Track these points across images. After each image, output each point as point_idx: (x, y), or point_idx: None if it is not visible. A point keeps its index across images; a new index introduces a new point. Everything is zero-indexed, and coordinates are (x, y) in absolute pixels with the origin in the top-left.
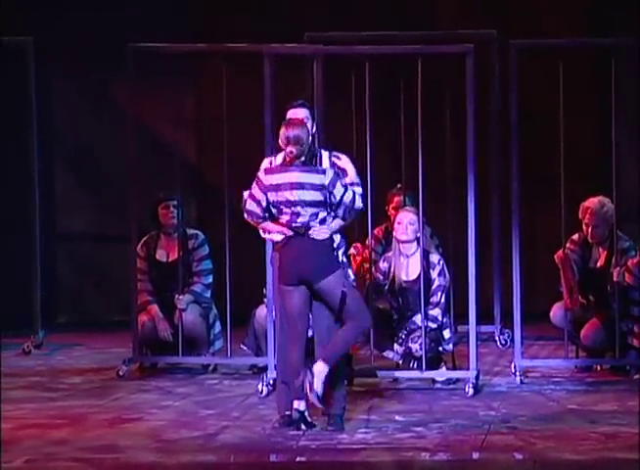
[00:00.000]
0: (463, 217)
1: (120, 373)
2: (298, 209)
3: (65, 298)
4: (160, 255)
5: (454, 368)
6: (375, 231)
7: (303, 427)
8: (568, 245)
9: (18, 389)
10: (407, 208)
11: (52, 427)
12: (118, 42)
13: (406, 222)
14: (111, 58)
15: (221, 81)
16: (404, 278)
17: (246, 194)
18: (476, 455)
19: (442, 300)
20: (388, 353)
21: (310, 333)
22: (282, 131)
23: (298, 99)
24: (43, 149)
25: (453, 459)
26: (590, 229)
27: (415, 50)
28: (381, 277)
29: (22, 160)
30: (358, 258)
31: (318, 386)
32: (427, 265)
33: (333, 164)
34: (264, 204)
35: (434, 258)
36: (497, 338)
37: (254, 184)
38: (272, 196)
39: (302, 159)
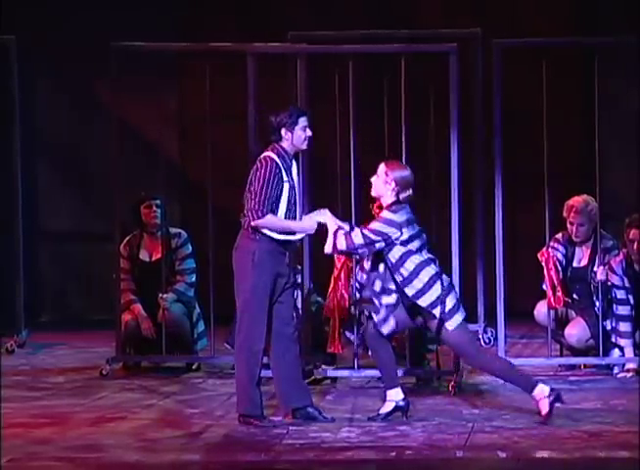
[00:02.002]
0: (446, 216)
1: (104, 372)
2: None
3: (48, 297)
4: (144, 254)
5: (438, 367)
6: None
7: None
8: (551, 243)
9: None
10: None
11: (35, 426)
12: (102, 41)
13: None
14: (94, 57)
15: (204, 81)
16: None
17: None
18: (459, 454)
19: None
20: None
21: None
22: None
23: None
24: (26, 148)
25: (437, 458)
26: (574, 228)
27: (399, 49)
28: (365, 277)
29: (6, 159)
30: (342, 258)
31: None
32: None
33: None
34: None
35: None
36: (481, 336)
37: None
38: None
39: None
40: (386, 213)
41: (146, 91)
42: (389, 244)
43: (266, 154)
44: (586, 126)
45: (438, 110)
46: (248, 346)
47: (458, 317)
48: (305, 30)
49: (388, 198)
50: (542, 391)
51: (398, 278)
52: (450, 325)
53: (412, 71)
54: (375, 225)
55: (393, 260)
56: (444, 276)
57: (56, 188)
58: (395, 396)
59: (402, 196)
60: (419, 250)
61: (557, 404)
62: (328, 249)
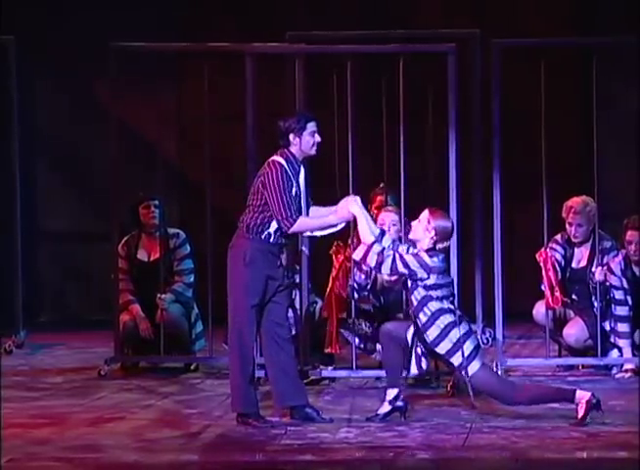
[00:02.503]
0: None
1: (102, 373)
2: None
3: (46, 297)
4: (142, 254)
5: (436, 368)
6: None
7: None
8: (550, 244)
9: None
10: (389, 208)
11: (34, 426)
12: (101, 41)
13: (389, 223)
14: (93, 57)
15: (203, 81)
16: (386, 278)
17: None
18: (458, 454)
19: None
20: (374, 355)
21: (294, 331)
22: None
23: None
24: (25, 148)
25: (435, 458)
26: (573, 228)
27: (397, 49)
28: (363, 277)
29: (4, 159)
30: (340, 257)
31: None
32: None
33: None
34: None
35: None
36: (479, 337)
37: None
38: None
39: None
40: (422, 254)
41: (144, 91)
42: (414, 281)
43: (274, 158)
44: (584, 126)
45: (437, 110)
46: (238, 344)
47: (475, 364)
48: (304, 31)
49: (424, 244)
50: (583, 395)
51: (419, 322)
52: (471, 370)
53: (410, 72)
54: (408, 258)
55: (415, 303)
56: (464, 324)
57: (55, 188)
58: (395, 396)
59: (440, 246)
60: (441, 298)
61: (594, 411)
62: (357, 257)
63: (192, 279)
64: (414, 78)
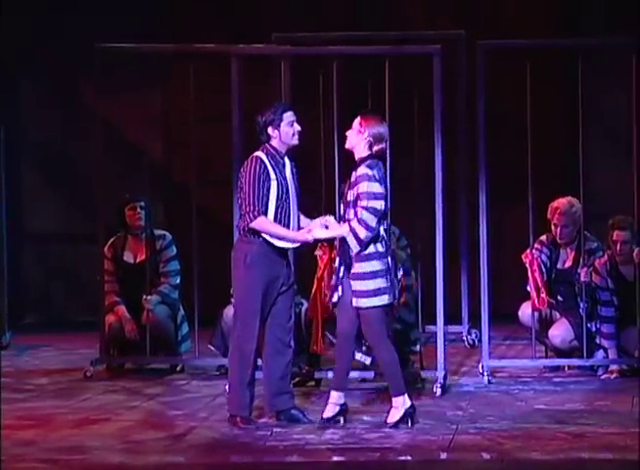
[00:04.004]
0: (431, 217)
1: (88, 374)
2: None
3: (32, 298)
4: (128, 256)
5: (422, 368)
6: None
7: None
8: (536, 245)
9: None
10: None
11: (19, 428)
12: (86, 42)
13: None
14: (78, 58)
15: (189, 82)
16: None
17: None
18: (443, 455)
19: (409, 300)
20: (358, 356)
21: None
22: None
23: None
24: (10, 149)
25: (421, 459)
26: (559, 229)
27: (383, 51)
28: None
29: None
30: (325, 258)
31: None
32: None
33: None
34: None
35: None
36: (465, 338)
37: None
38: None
39: None
40: (364, 172)
41: (130, 92)
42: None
43: (255, 153)
44: (570, 127)
45: (422, 111)
46: (239, 347)
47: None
48: (289, 32)
49: (361, 149)
50: (403, 401)
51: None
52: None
53: (396, 73)
54: (365, 214)
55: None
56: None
57: (40, 189)
58: (404, 403)
59: (375, 148)
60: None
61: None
62: (356, 249)
63: (178, 281)
64: (400, 80)
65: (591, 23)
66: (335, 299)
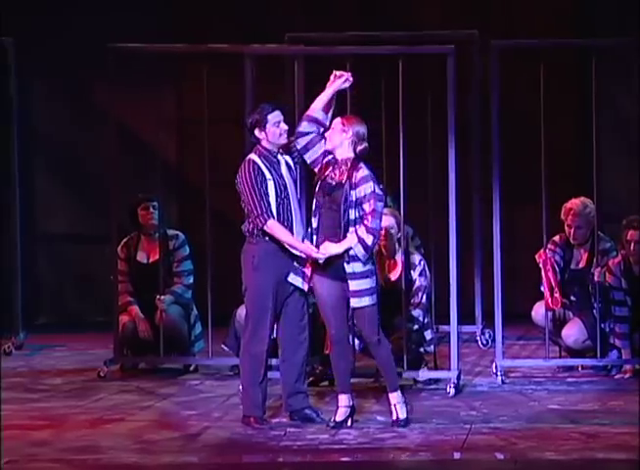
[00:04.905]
0: (444, 218)
1: (101, 374)
2: None
3: (45, 298)
4: (141, 256)
5: (435, 368)
6: None
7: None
8: (549, 246)
9: None
10: (387, 211)
11: (33, 428)
12: (99, 43)
13: (386, 227)
14: (91, 58)
15: (202, 82)
16: (392, 278)
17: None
18: (457, 455)
19: (423, 300)
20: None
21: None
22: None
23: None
24: (23, 149)
25: (435, 459)
26: (572, 230)
27: (396, 51)
28: None
29: (3, 160)
30: None
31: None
32: (407, 266)
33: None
34: None
35: (415, 258)
36: (478, 338)
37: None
38: None
39: None
40: (367, 173)
41: (143, 92)
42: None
43: (248, 156)
44: (584, 128)
45: (436, 111)
46: (250, 348)
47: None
48: (303, 32)
49: (344, 150)
50: (348, 401)
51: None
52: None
53: (410, 73)
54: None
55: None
56: None
57: (53, 189)
58: (401, 397)
59: (359, 148)
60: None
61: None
62: (364, 256)
63: (191, 280)
64: (413, 80)
65: (605, 23)
66: (306, 287)
